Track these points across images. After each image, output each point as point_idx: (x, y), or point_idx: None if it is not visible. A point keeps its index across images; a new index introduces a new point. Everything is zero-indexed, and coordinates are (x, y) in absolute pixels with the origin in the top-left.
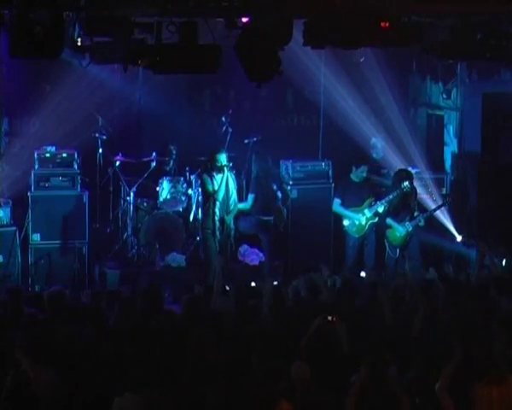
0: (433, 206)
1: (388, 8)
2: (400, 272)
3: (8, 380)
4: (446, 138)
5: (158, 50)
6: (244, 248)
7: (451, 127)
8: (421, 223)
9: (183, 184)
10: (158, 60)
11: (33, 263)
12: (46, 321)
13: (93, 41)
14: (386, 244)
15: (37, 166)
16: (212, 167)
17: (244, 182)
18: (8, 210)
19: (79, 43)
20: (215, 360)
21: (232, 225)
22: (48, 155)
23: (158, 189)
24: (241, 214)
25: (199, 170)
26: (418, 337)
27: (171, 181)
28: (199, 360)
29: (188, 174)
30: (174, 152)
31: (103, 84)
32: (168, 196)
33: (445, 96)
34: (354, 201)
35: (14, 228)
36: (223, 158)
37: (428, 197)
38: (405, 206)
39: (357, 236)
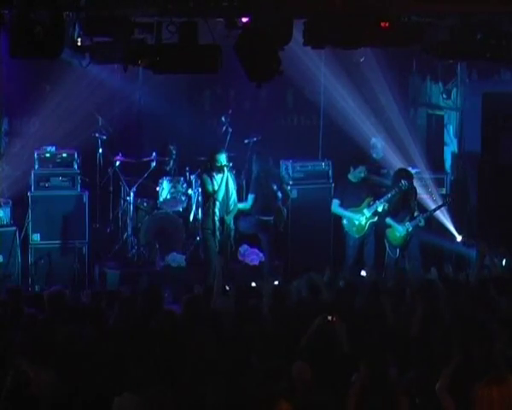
0: (433, 206)
1: (388, 8)
2: (400, 272)
3: (8, 380)
4: (446, 138)
5: (158, 50)
6: (244, 248)
7: (451, 127)
8: (422, 223)
9: (183, 184)
10: (158, 60)
11: (33, 263)
12: (46, 321)
13: (93, 41)
14: (386, 244)
15: (37, 166)
16: (211, 167)
17: (244, 182)
18: (8, 210)
19: (79, 43)
20: (215, 360)
21: (232, 225)
22: (48, 155)
23: (158, 189)
24: (241, 214)
25: (199, 170)
26: (418, 337)
27: (171, 181)
28: (199, 360)
29: (188, 174)
30: (174, 152)
31: (103, 84)
32: (168, 196)
33: (445, 96)
34: (353, 201)
35: (14, 228)
36: (223, 158)
37: (428, 197)
38: (405, 205)
39: (357, 236)
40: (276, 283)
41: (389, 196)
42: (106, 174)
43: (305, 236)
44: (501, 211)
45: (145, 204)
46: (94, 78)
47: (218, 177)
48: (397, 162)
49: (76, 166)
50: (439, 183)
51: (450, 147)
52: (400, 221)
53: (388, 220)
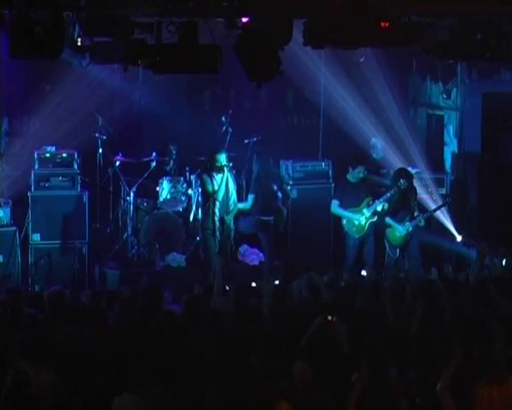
0: (433, 206)
1: (388, 8)
2: (400, 272)
3: (8, 380)
4: (446, 138)
5: (158, 50)
6: (244, 248)
7: (451, 127)
8: (422, 223)
9: (183, 184)
10: (158, 60)
11: (33, 263)
12: (46, 321)
13: (93, 41)
14: (387, 244)
15: (37, 166)
16: (211, 167)
17: (244, 182)
18: (8, 210)
19: (79, 43)
20: (215, 360)
21: (232, 225)
22: (48, 155)
23: (158, 189)
24: (241, 214)
25: (199, 170)
26: (418, 337)
27: (171, 181)
28: (199, 360)
29: (188, 174)
30: (174, 152)
31: (103, 84)
32: (168, 196)
33: (445, 96)
34: (352, 201)
35: (14, 228)
36: (222, 158)
37: (428, 197)
38: (405, 205)
39: (357, 236)
40: (277, 282)
41: (388, 195)
42: (106, 174)
43: (305, 236)
44: (501, 211)
45: (145, 204)
46: (94, 78)
47: (218, 177)
48: (397, 162)
49: (76, 166)
50: (439, 183)
51: (450, 147)
52: (400, 221)
53: (388, 220)
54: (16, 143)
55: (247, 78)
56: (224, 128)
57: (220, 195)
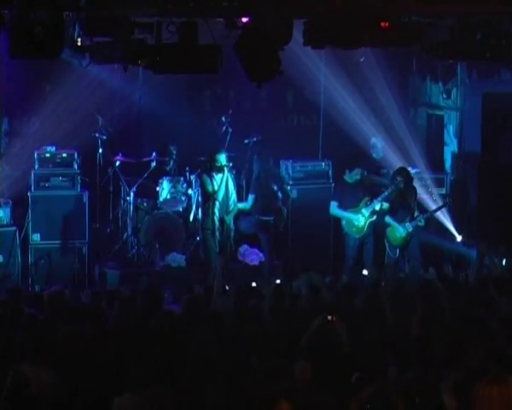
0: (433, 206)
1: (388, 8)
2: (400, 272)
3: (8, 380)
4: (446, 138)
5: (158, 50)
6: (244, 248)
7: (451, 127)
8: (422, 223)
9: (183, 184)
10: (158, 60)
11: (33, 263)
12: (46, 321)
13: (93, 41)
14: (387, 244)
15: (37, 166)
16: (211, 168)
17: (244, 182)
18: (8, 210)
19: (79, 43)
20: (215, 360)
21: (232, 226)
22: (48, 155)
23: (158, 189)
24: (241, 214)
25: (199, 170)
26: (418, 337)
27: (171, 181)
28: (199, 360)
29: (188, 174)
30: (174, 152)
31: (103, 84)
32: (168, 196)
33: (445, 96)
34: (350, 202)
35: (14, 228)
36: (222, 158)
37: (428, 197)
38: (404, 205)
39: (357, 236)
40: (278, 281)
41: (386, 194)
42: (106, 174)
43: (305, 236)
44: (501, 211)
45: (145, 204)
46: (94, 78)
47: (217, 177)
48: (397, 162)
49: (76, 166)
50: (439, 183)
51: (450, 147)
52: (400, 221)
53: (389, 220)
54: (16, 143)
55: (247, 78)
56: (224, 128)
57: (220, 195)
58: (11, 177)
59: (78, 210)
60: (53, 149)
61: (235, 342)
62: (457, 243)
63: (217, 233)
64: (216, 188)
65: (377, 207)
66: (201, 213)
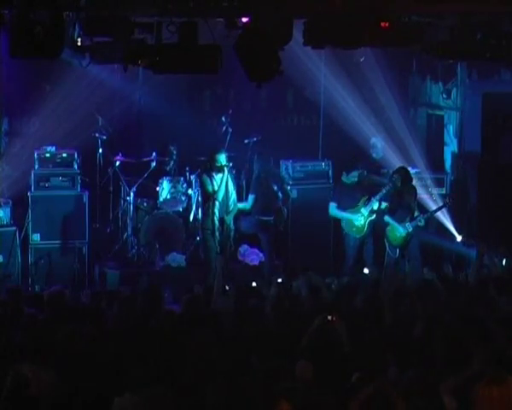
0: (433, 206)
1: (388, 8)
2: (400, 272)
3: (8, 380)
4: (446, 138)
5: (158, 50)
6: (244, 248)
7: (451, 127)
8: (422, 223)
9: (183, 184)
10: (158, 60)
11: (33, 263)
12: (46, 321)
13: (93, 41)
14: (386, 244)
15: (37, 166)
16: (211, 168)
17: (244, 182)
18: (8, 210)
19: (79, 43)
20: (215, 360)
21: (232, 226)
22: (48, 155)
23: (158, 189)
24: (241, 214)
25: (199, 170)
26: (418, 337)
27: (171, 181)
28: (199, 360)
29: (188, 174)
30: (174, 152)
31: (103, 84)
32: (168, 196)
33: (445, 96)
34: (349, 202)
35: (14, 228)
36: (222, 158)
37: (428, 197)
38: (404, 205)
39: (357, 236)
40: (280, 280)
41: (384, 192)
42: (106, 174)
43: (305, 236)
44: (501, 211)
45: (145, 204)
46: (94, 78)
47: (217, 177)
48: (397, 162)
49: (76, 166)
50: (439, 183)
51: (450, 147)
52: (400, 221)
53: (389, 220)
54: (16, 143)
55: (247, 78)
56: (224, 128)
57: (220, 195)
58: (11, 177)
59: (78, 210)
60: (53, 149)
61: (235, 342)
62: (457, 243)
63: (217, 233)
64: (216, 188)
65: (375, 207)
66: (201, 213)
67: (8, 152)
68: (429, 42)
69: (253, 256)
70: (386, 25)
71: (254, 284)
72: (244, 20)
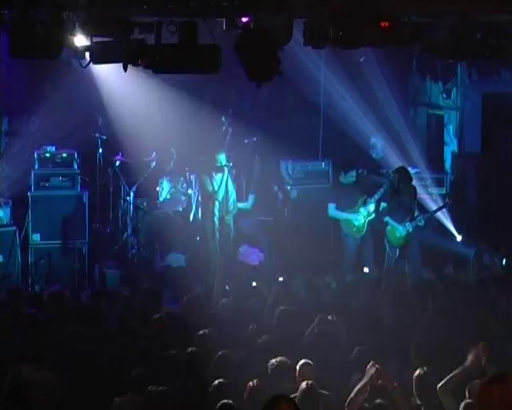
0: (433, 206)
1: (388, 8)
2: (400, 272)
3: (8, 380)
4: (446, 138)
5: (158, 50)
6: (244, 248)
7: (451, 127)
8: (422, 223)
9: (183, 184)
10: (158, 60)
11: (33, 263)
12: (46, 321)
13: (93, 41)
14: (386, 244)
15: (37, 167)
16: (211, 168)
17: (244, 182)
18: (8, 210)
19: (79, 44)
20: (215, 360)
21: (232, 226)
22: (48, 155)
23: (158, 189)
24: (241, 214)
25: (199, 170)
26: (418, 337)
27: (171, 181)
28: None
29: (188, 174)
30: (174, 152)
31: (103, 84)
32: (168, 196)
33: (444, 95)
34: (348, 202)
35: (14, 228)
36: (222, 158)
37: (428, 197)
38: (402, 204)
39: (357, 236)
40: (281, 279)
41: (382, 190)
42: (106, 174)
43: (305, 236)
44: (501, 211)
45: (145, 204)
46: (94, 78)
47: (217, 177)
48: (397, 162)
49: (76, 166)
50: (439, 183)
51: (450, 147)
52: (400, 221)
53: (389, 220)
54: (16, 143)
55: (247, 78)
56: (224, 128)
57: (220, 195)
58: (11, 177)
59: (78, 210)
60: (53, 149)
61: (234, 343)
62: (457, 242)
63: (217, 233)
64: (216, 188)
65: (372, 208)
66: (201, 213)
67: (8, 152)
68: (429, 42)
69: (253, 256)
70: (386, 25)
71: (254, 283)
72: (244, 20)
